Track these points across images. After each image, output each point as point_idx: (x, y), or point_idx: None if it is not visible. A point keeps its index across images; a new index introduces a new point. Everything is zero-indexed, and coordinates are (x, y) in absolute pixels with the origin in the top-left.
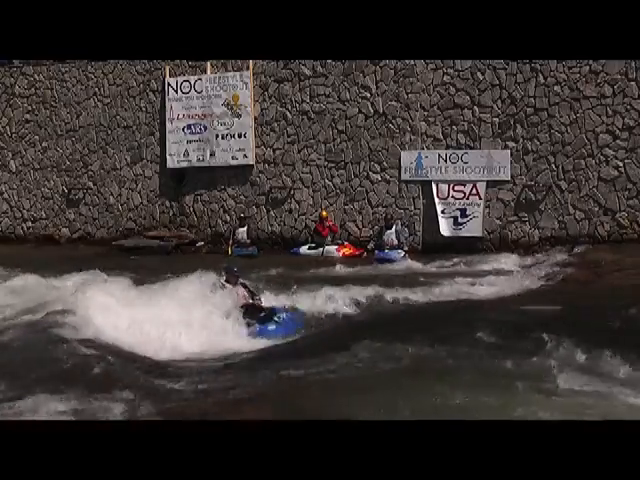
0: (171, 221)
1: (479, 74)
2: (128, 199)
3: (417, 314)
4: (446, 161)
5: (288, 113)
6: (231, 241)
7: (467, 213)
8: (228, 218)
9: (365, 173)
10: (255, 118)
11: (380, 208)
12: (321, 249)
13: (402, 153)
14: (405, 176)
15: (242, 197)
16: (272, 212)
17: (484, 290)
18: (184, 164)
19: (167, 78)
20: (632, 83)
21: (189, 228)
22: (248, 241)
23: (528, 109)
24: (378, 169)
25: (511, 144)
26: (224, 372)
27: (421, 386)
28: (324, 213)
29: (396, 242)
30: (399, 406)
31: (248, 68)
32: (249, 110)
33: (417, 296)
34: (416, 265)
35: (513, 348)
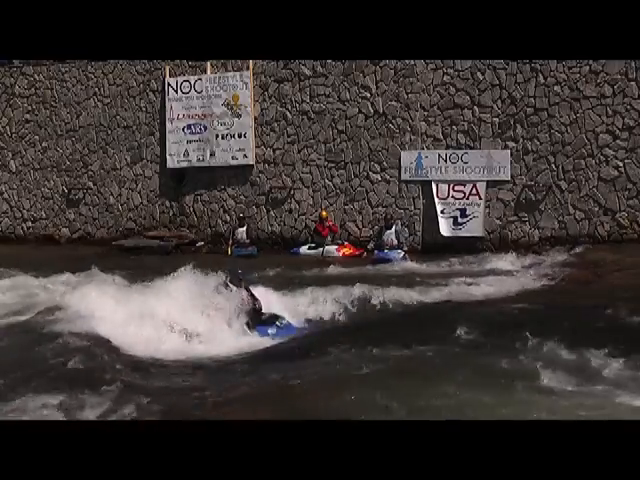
0: (171, 221)
1: (479, 74)
2: (128, 199)
3: (413, 314)
4: (446, 161)
5: (288, 113)
6: (231, 241)
7: (467, 213)
8: (228, 218)
9: (365, 173)
10: (255, 118)
11: (380, 208)
12: (321, 249)
13: (402, 153)
14: (405, 176)
15: (242, 197)
16: (272, 212)
17: (483, 290)
18: (184, 164)
19: (167, 78)
20: (632, 83)
21: (189, 228)
22: (247, 241)
23: (528, 109)
24: (378, 169)
25: (511, 144)
26: (224, 372)
27: (417, 386)
28: (324, 213)
29: (396, 242)
30: (394, 407)
31: (248, 68)
32: (249, 110)
33: (413, 296)
34: (415, 265)
35: (507, 347)
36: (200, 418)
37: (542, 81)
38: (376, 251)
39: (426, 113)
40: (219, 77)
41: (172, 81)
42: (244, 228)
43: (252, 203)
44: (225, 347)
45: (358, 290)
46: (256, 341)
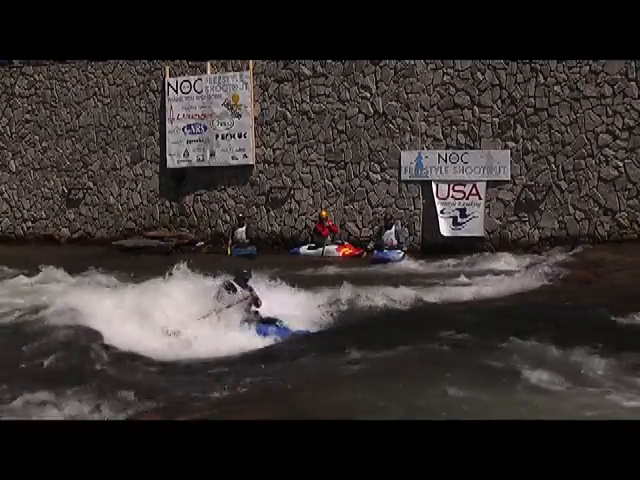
0: (171, 221)
1: (479, 74)
2: (128, 199)
3: (410, 315)
4: (446, 161)
5: (288, 113)
6: (230, 241)
7: (467, 213)
8: (228, 218)
9: (365, 173)
10: (255, 118)
11: (380, 208)
12: (321, 249)
13: (402, 153)
14: (405, 176)
15: (242, 197)
16: (272, 212)
17: (482, 290)
18: (184, 164)
19: (167, 78)
20: (632, 83)
21: (189, 228)
22: (247, 241)
23: (528, 109)
24: (378, 169)
25: (511, 144)
26: (223, 372)
27: (413, 386)
28: (324, 213)
29: (395, 242)
30: (392, 408)
31: (248, 68)
32: (249, 110)
33: (412, 296)
34: (414, 265)
35: (507, 347)
36: (200, 418)
37: (542, 81)
38: (375, 251)
39: (426, 113)
40: (219, 77)
41: (172, 81)
42: (243, 228)
43: (252, 203)
44: (225, 347)
45: (356, 290)
46: (256, 341)
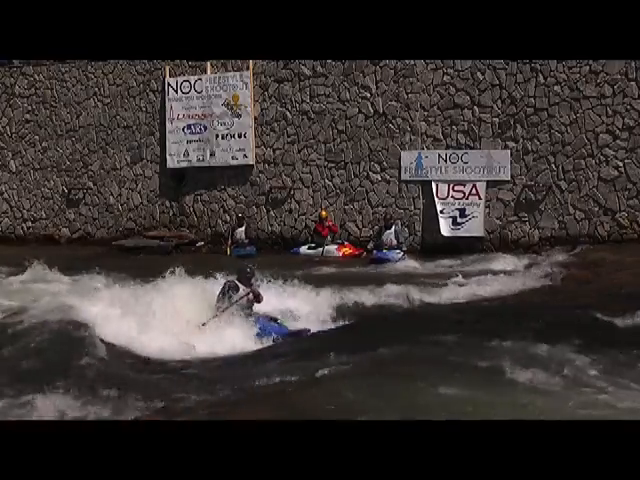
0: (171, 221)
1: (479, 74)
2: (128, 199)
3: (407, 315)
4: (446, 161)
5: (288, 113)
6: (230, 241)
7: (466, 213)
8: (228, 218)
9: (365, 173)
10: (255, 118)
11: (380, 208)
12: (321, 249)
13: (402, 153)
14: (405, 176)
15: (242, 197)
16: (272, 212)
17: (482, 290)
18: (184, 164)
19: (167, 78)
20: (632, 83)
21: (189, 228)
22: (246, 241)
23: (528, 109)
24: (378, 169)
25: (511, 144)
26: (223, 372)
27: (412, 386)
28: (324, 213)
29: (395, 242)
30: (389, 408)
31: (248, 68)
32: (249, 110)
33: (410, 297)
34: (413, 265)
35: (505, 348)
36: (200, 418)
37: (542, 81)
38: (375, 251)
39: (426, 113)
40: (219, 77)
41: (172, 81)
42: (243, 228)
43: (252, 203)
44: (225, 346)
45: (355, 290)
46: (256, 340)
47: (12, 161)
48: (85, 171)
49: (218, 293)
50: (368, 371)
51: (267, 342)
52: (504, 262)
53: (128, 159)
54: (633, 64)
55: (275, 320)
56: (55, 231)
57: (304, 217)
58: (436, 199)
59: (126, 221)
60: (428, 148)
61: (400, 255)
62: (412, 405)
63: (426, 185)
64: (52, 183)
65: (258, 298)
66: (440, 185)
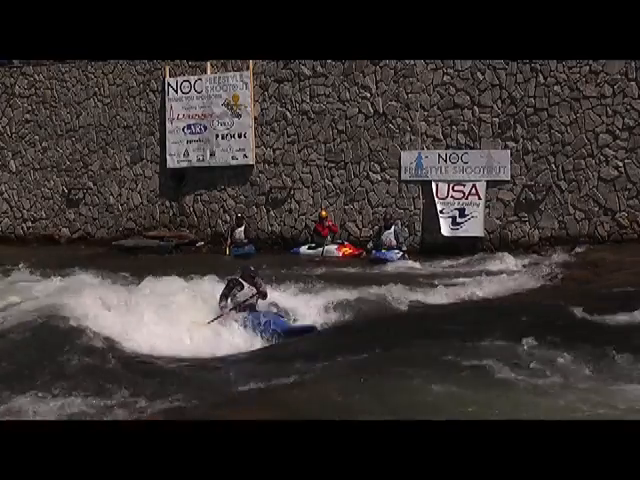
0: (171, 221)
1: (479, 74)
2: (128, 199)
3: (406, 315)
4: (446, 161)
5: (288, 113)
6: (229, 241)
7: (465, 213)
8: (228, 218)
9: (365, 173)
10: (255, 118)
11: (380, 208)
12: (321, 249)
13: (402, 153)
14: (405, 176)
15: (242, 197)
16: (272, 212)
17: (481, 290)
18: (184, 164)
19: (167, 78)
20: (632, 83)
21: (189, 228)
22: (245, 241)
23: (528, 109)
24: (378, 169)
25: (511, 144)
26: (223, 371)
27: (411, 386)
28: (324, 213)
29: (394, 242)
30: (388, 408)
31: (248, 68)
32: (249, 110)
33: (408, 297)
34: (412, 265)
35: (504, 348)
36: (200, 418)
37: (542, 81)
38: (373, 251)
39: (426, 113)
40: (219, 77)
41: (172, 81)
42: (242, 228)
43: (252, 203)
44: (227, 346)
45: (353, 290)
46: (257, 339)
47: (12, 161)
48: (85, 171)
49: (222, 291)
50: (365, 371)
51: (271, 339)
52: (504, 262)
53: (128, 159)
54: (633, 64)
55: (281, 317)
56: (55, 231)
57: (304, 217)
58: (436, 199)
59: (126, 221)
60: (428, 148)
61: (399, 255)
62: (408, 405)
63: (426, 185)
64: (52, 183)
65: (264, 295)
66: (440, 185)
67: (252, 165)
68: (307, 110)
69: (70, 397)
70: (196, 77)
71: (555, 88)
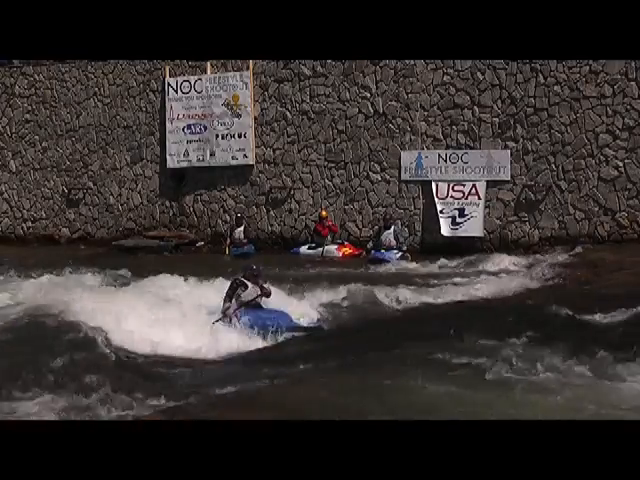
0: (171, 221)
1: (479, 74)
2: (128, 199)
3: (404, 315)
4: (446, 161)
5: (288, 113)
6: (228, 241)
7: (465, 213)
8: (228, 218)
9: (365, 173)
10: (255, 118)
11: (380, 208)
12: (321, 249)
13: (402, 153)
14: (405, 176)
15: (242, 197)
16: (272, 212)
17: (481, 290)
18: (184, 164)
19: (167, 78)
20: (632, 83)
21: (189, 228)
22: (245, 240)
23: (528, 109)
24: (378, 169)
25: (511, 144)
26: (223, 371)
27: (409, 386)
28: (324, 213)
29: (394, 242)
30: (386, 409)
31: (248, 68)
32: (249, 110)
33: (406, 297)
34: (410, 265)
35: (502, 349)
36: (200, 418)
37: (542, 81)
38: (372, 251)
39: (426, 113)
40: (219, 77)
41: (172, 81)
42: (241, 228)
43: (252, 203)
44: (226, 347)
45: (351, 290)
46: (256, 340)
47: (12, 161)
48: (85, 171)
49: (226, 292)
50: (364, 371)
51: (277, 337)
52: (504, 262)
53: (128, 159)
54: (633, 64)
55: (287, 314)
56: (55, 231)
57: (304, 217)
58: (436, 199)
59: (126, 221)
60: (428, 148)
61: (398, 255)
62: (406, 405)
63: (426, 185)
64: (52, 183)
65: (268, 294)
66: (440, 185)
67: (252, 165)
68: (307, 110)
69: (63, 396)
70: (196, 77)
71: (555, 88)
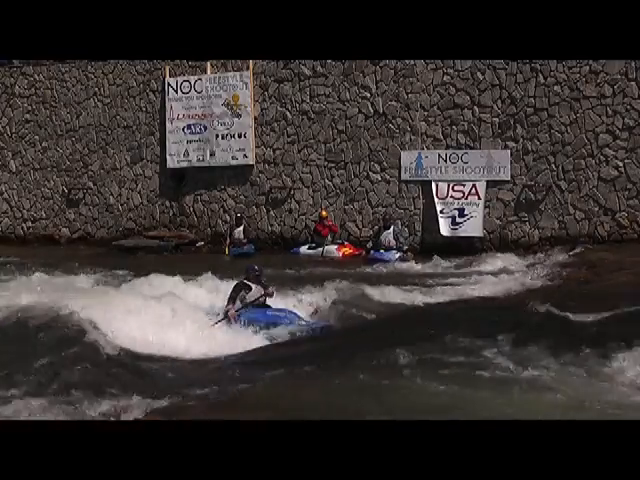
0: (171, 221)
1: (479, 74)
2: (128, 199)
3: (403, 315)
4: (446, 161)
5: (288, 113)
6: (228, 241)
7: (465, 213)
8: (228, 218)
9: (365, 173)
10: (255, 118)
11: (380, 208)
12: (321, 249)
13: (402, 153)
14: (405, 176)
15: (242, 197)
16: (272, 212)
17: (482, 290)
18: (184, 164)
19: (167, 78)
20: (632, 83)
21: (189, 228)
22: (244, 240)
23: (528, 109)
24: (378, 169)
25: (511, 144)
26: (223, 371)
27: (408, 386)
28: (324, 213)
29: (393, 242)
30: (386, 409)
31: (248, 68)
32: (249, 110)
33: (406, 298)
34: (410, 265)
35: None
36: (200, 418)
37: (542, 81)
38: (372, 251)
39: (426, 113)
40: (219, 77)
41: (172, 81)
42: (241, 228)
43: (252, 203)
44: (226, 347)
45: (350, 290)
46: (256, 340)
47: (12, 161)
48: (85, 171)
49: (229, 294)
50: (363, 371)
51: (266, 342)
52: (504, 262)
53: (128, 159)
54: (633, 64)
55: (294, 312)
56: (55, 231)
57: (304, 217)
58: (436, 199)
59: (126, 221)
60: (428, 148)
61: (397, 255)
62: (405, 405)
63: (426, 185)
64: (52, 183)
65: (270, 294)
66: (440, 185)
67: (252, 165)
68: (307, 110)
69: (62, 396)
70: (196, 77)
71: (555, 88)
